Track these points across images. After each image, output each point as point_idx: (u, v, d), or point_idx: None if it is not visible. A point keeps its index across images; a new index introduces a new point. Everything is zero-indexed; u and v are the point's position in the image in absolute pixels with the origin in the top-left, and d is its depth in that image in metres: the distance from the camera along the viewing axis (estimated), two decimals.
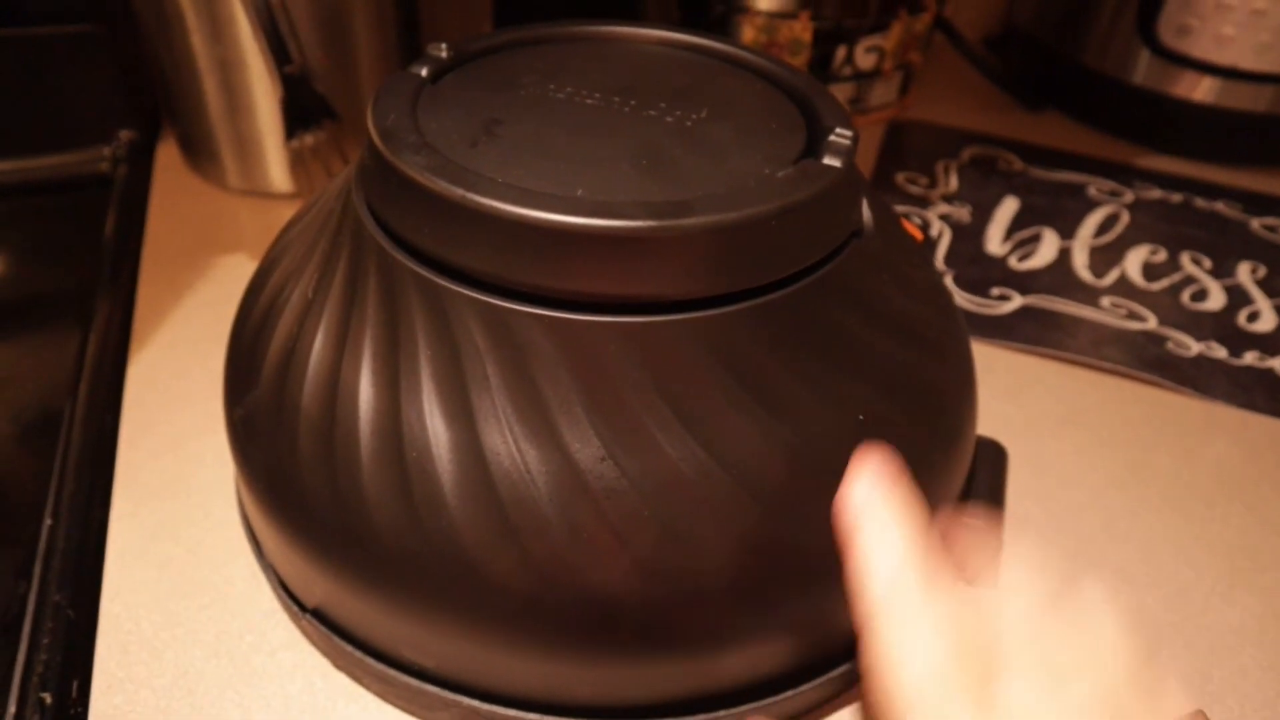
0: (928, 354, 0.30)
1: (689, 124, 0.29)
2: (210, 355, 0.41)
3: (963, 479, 0.33)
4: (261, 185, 0.55)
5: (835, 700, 0.31)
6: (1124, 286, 0.52)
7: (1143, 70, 0.63)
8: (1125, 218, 0.57)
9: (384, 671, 0.29)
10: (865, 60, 0.63)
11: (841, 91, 0.63)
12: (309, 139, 0.51)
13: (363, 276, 0.27)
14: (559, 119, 0.29)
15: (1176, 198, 0.60)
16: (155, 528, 0.35)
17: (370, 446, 0.25)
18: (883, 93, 0.65)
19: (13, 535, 0.37)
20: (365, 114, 0.28)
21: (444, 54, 0.31)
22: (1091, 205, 0.58)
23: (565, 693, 0.27)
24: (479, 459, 0.25)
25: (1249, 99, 0.61)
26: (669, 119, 0.29)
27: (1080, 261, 0.54)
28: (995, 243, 0.55)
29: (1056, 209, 0.58)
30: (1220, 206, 0.59)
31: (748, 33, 0.61)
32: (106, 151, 0.59)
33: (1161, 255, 0.54)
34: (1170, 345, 0.48)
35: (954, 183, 0.60)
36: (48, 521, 0.35)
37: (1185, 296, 0.51)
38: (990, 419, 0.40)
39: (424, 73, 0.30)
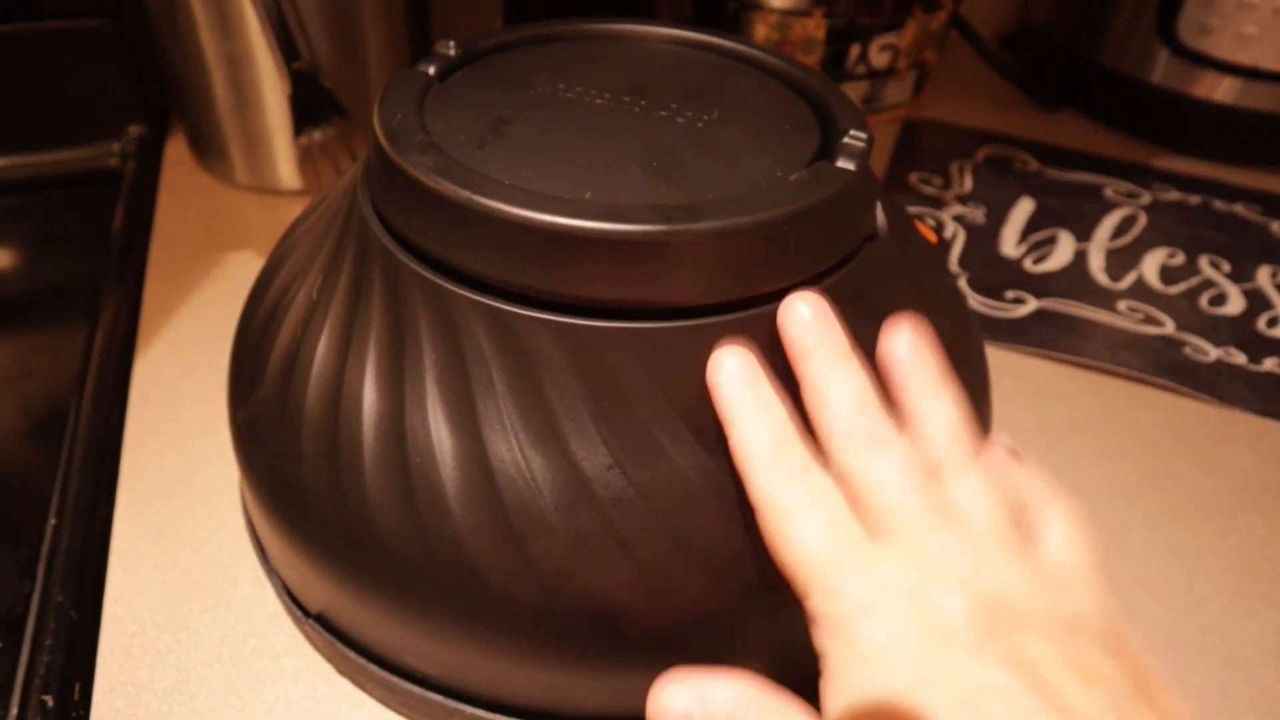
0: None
1: (700, 125, 0.28)
2: (216, 353, 0.41)
3: None
4: (269, 182, 0.55)
5: None
6: (1141, 290, 0.51)
7: (1161, 69, 0.62)
8: (1142, 220, 0.57)
9: (387, 679, 0.28)
10: (879, 59, 0.62)
11: (855, 90, 0.63)
12: (317, 135, 0.51)
13: (368, 278, 0.26)
14: (568, 119, 0.28)
15: (1195, 200, 0.59)
16: (159, 528, 0.35)
17: (374, 451, 0.25)
18: (896, 91, 0.65)
19: (18, 534, 0.36)
20: (373, 109, 0.28)
21: (452, 52, 0.31)
22: (1108, 207, 0.58)
23: (569, 703, 0.27)
24: (483, 466, 0.24)
25: (1271, 100, 0.60)
26: (680, 120, 0.29)
27: (1096, 264, 0.53)
28: (1010, 245, 0.54)
29: (1072, 211, 0.57)
30: (1240, 209, 0.58)
31: (760, 30, 0.61)
32: (116, 147, 0.59)
33: (1179, 258, 0.54)
34: (1188, 350, 0.47)
35: (968, 183, 0.59)
36: (52, 521, 0.35)
37: (1203, 301, 0.50)
38: (1004, 425, 0.39)
39: (431, 71, 0.30)
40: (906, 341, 0.24)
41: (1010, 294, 0.50)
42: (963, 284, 0.51)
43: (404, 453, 0.25)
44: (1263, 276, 0.52)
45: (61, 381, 0.44)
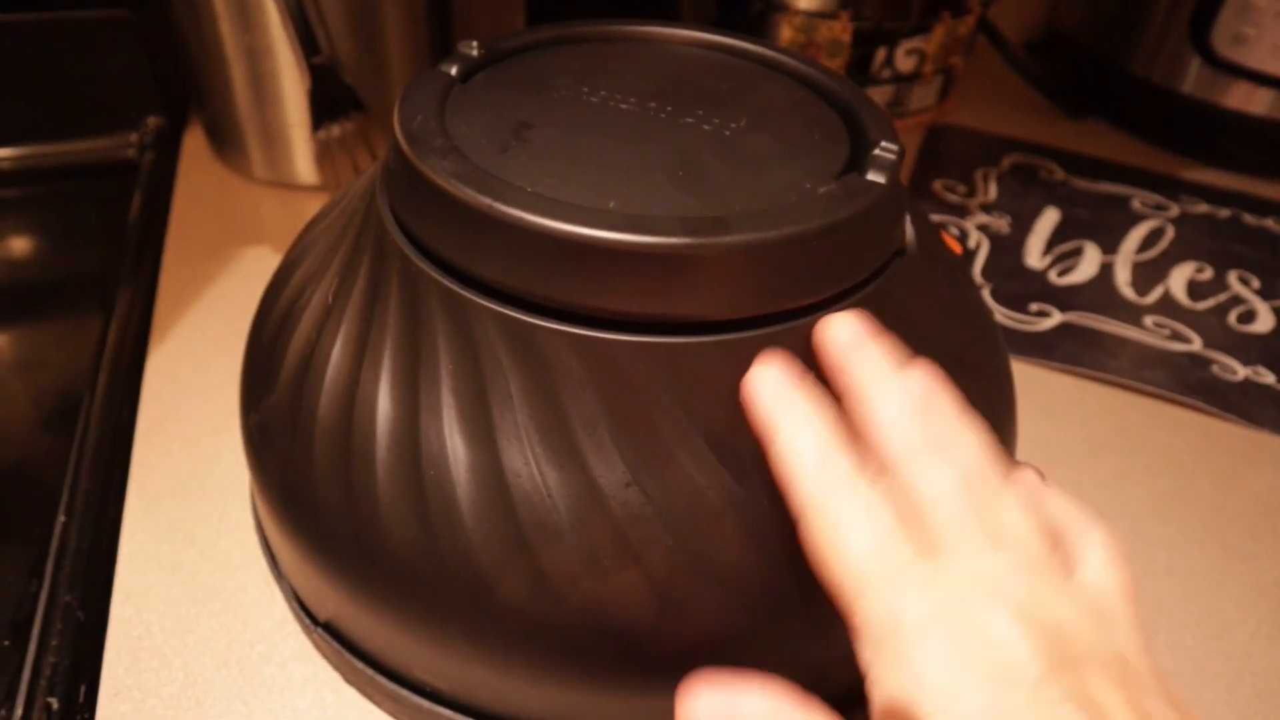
0: (968, 377, 0.28)
1: (727, 133, 0.28)
2: (230, 350, 0.41)
3: None
4: (287, 176, 0.55)
5: None
6: (1168, 305, 0.50)
7: (1193, 79, 0.61)
8: (1170, 233, 0.55)
9: (396, 691, 0.28)
10: (905, 63, 0.61)
11: (880, 94, 0.62)
12: (336, 131, 0.50)
13: (384, 284, 0.26)
14: (592, 124, 0.28)
15: (1224, 213, 0.58)
16: (169, 528, 0.35)
17: (387, 462, 0.25)
18: (922, 96, 0.64)
19: (28, 531, 0.36)
20: (393, 109, 0.27)
21: (475, 52, 0.30)
22: (1135, 219, 0.57)
23: None
24: (498, 479, 0.24)
25: None
26: (706, 127, 0.28)
27: (1123, 278, 0.52)
28: (1035, 256, 0.53)
29: (1099, 222, 0.56)
30: (1271, 223, 0.57)
31: (786, 32, 0.60)
32: (134, 138, 0.59)
33: (1208, 273, 0.53)
34: (1215, 369, 0.46)
35: (993, 192, 0.58)
36: (61, 518, 0.35)
37: (1232, 317, 0.49)
38: (1026, 441, 0.39)
39: (453, 71, 0.29)
40: (922, 380, 0.23)
41: (1034, 306, 0.49)
42: (986, 295, 0.50)
43: (418, 463, 0.24)
44: None
45: (75, 372, 0.44)
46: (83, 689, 0.30)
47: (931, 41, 0.61)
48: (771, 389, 0.23)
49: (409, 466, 0.24)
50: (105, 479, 0.37)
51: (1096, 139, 0.65)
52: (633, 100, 0.29)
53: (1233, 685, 0.32)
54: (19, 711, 0.29)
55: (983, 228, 0.55)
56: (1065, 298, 0.50)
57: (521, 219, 0.23)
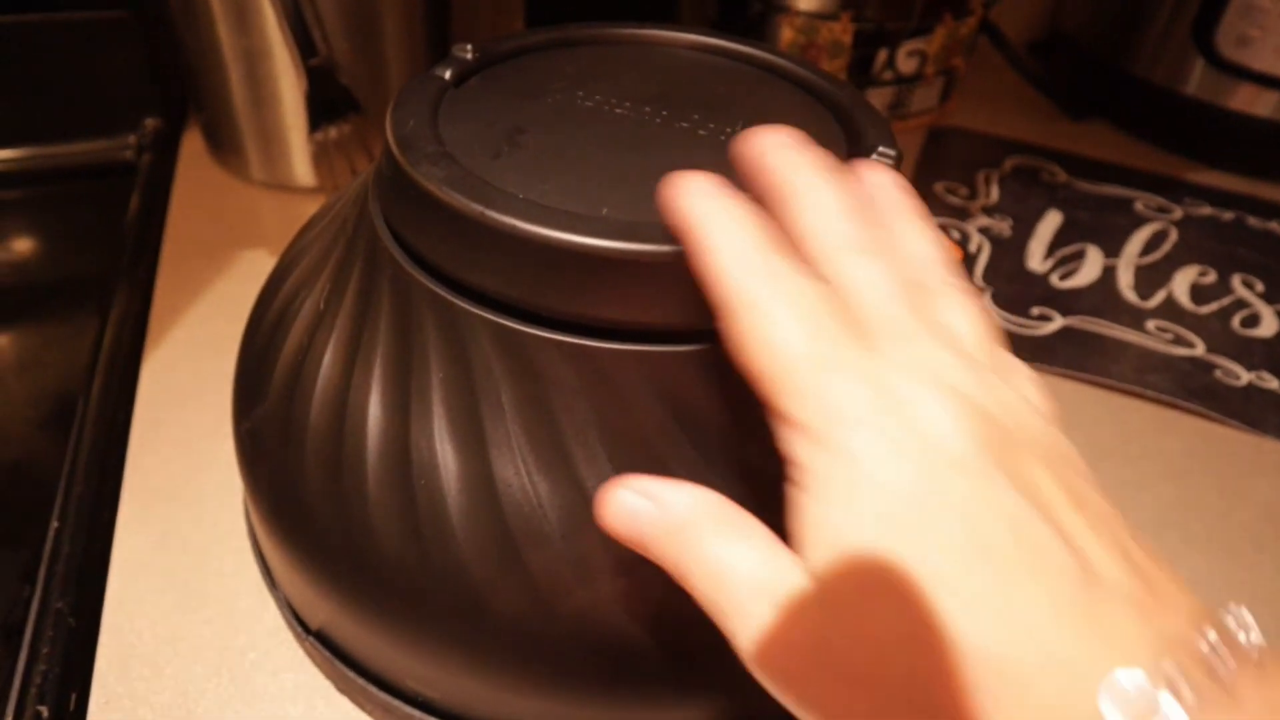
0: None
1: (723, 138, 0.27)
2: (225, 353, 0.40)
3: None
4: (284, 178, 0.54)
5: None
6: (1171, 309, 0.49)
7: (1196, 81, 0.61)
8: (1173, 236, 0.55)
9: (388, 701, 0.28)
10: (907, 64, 0.61)
11: (881, 96, 0.62)
12: (333, 133, 0.50)
13: (376, 291, 0.26)
14: (586, 129, 0.27)
15: (1228, 216, 0.57)
16: (162, 534, 0.35)
17: (377, 470, 0.24)
18: (923, 98, 0.63)
19: (20, 536, 0.36)
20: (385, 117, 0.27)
21: (469, 55, 0.30)
22: (1138, 221, 0.56)
23: None
24: (489, 489, 0.23)
25: None
26: (702, 132, 0.28)
27: (1125, 281, 0.51)
28: (1036, 259, 0.53)
29: (1101, 225, 0.56)
30: (1275, 226, 0.57)
31: (786, 33, 0.60)
32: (132, 139, 0.59)
33: (1211, 277, 0.52)
34: (1219, 374, 0.45)
35: (995, 194, 0.58)
36: (54, 523, 0.35)
37: (1236, 322, 0.49)
38: None
39: (447, 75, 0.29)
40: (884, 177, 0.22)
41: (1036, 310, 0.49)
42: (987, 299, 0.49)
43: (408, 472, 0.24)
44: None
45: (71, 375, 0.43)
46: (73, 697, 0.30)
47: (933, 43, 0.60)
48: (694, 187, 0.21)
49: (399, 475, 0.24)
50: (99, 484, 0.36)
51: (1099, 141, 0.64)
52: (628, 104, 0.29)
53: None
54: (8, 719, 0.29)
55: (984, 230, 0.55)
56: (1067, 301, 0.49)
57: (513, 226, 0.23)
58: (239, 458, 0.30)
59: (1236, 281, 0.52)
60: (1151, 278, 0.52)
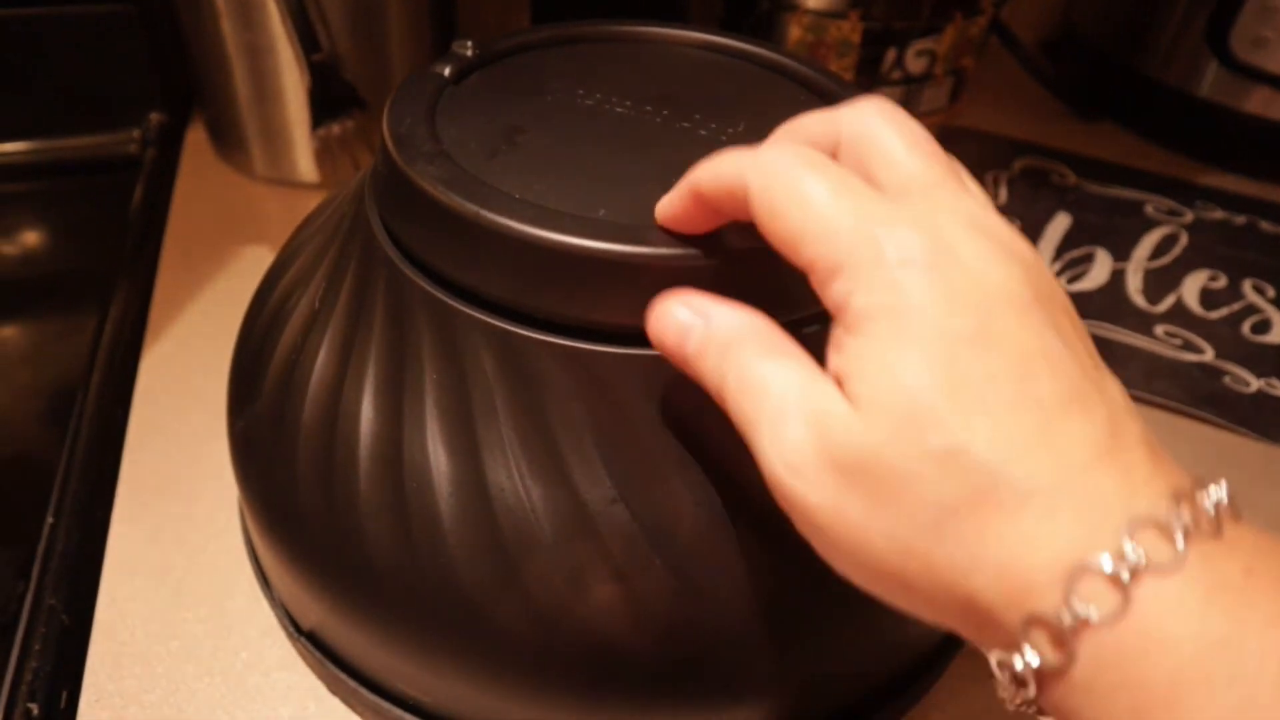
0: None
1: (724, 139, 0.27)
2: (225, 351, 0.40)
3: None
4: (288, 174, 0.54)
5: None
6: (1180, 314, 0.49)
7: (1210, 83, 0.60)
8: (1184, 239, 0.54)
9: (378, 703, 0.27)
10: (916, 64, 0.60)
11: (889, 96, 0.60)
12: (336, 129, 0.50)
13: (370, 290, 0.25)
14: (586, 129, 0.27)
15: (1240, 220, 0.56)
16: (156, 532, 0.34)
17: (369, 473, 0.24)
18: (932, 98, 0.63)
19: (15, 531, 0.36)
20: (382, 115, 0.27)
21: (469, 52, 0.30)
22: (1148, 225, 0.55)
23: None
24: (482, 493, 0.23)
25: None
26: (703, 132, 0.27)
27: (1134, 285, 0.51)
28: (1044, 262, 0.52)
29: (1110, 228, 0.55)
30: None
31: (794, 31, 0.59)
32: (137, 134, 0.59)
33: (1221, 281, 0.51)
34: (1228, 380, 0.45)
35: (1003, 196, 0.57)
36: (49, 519, 0.34)
37: (1246, 327, 0.48)
38: None
39: (446, 72, 0.29)
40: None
41: None
42: None
43: (400, 476, 0.24)
44: None
45: (71, 369, 0.43)
46: (64, 695, 0.29)
47: (942, 42, 0.60)
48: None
49: (391, 479, 0.24)
50: (95, 480, 0.36)
51: (1110, 142, 0.64)
52: (629, 104, 0.28)
53: None
54: None
55: None
56: (1075, 305, 0.49)
57: (508, 227, 0.22)
58: (232, 457, 0.29)
59: (1247, 287, 0.51)
60: (1161, 282, 0.51)
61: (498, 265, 0.23)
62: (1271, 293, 0.51)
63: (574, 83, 0.29)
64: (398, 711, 0.27)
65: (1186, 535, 0.16)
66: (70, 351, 0.46)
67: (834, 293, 0.19)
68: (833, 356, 0.19)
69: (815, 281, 0.19)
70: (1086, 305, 0.49)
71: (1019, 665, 0.16)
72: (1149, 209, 0.57)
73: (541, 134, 0.27)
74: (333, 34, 0.48)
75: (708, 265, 0.22)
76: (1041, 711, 0.17)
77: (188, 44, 0.53)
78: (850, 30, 0.58)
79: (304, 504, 0.25)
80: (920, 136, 0.21)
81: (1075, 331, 0.19)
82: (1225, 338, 0.47)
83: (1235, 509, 0.17)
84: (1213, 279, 0.52)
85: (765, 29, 0.60)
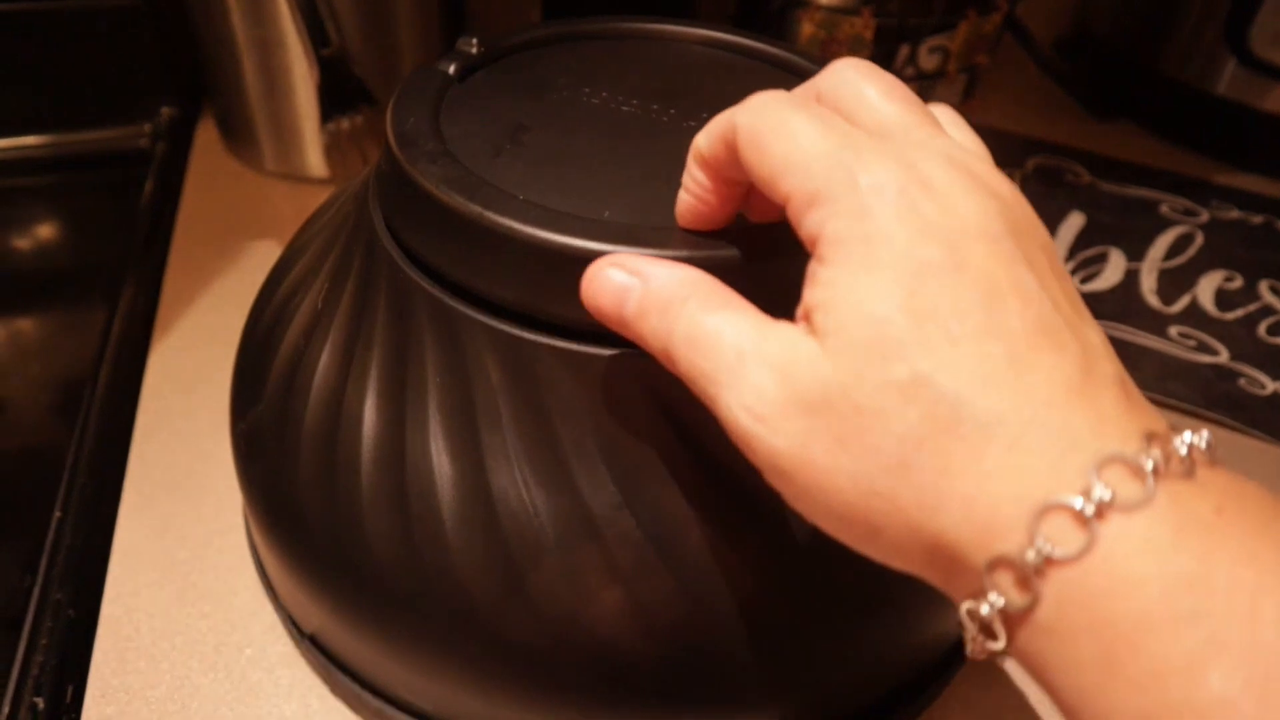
0: None
1: None
2: (233, 346, 0.40)
3: None
4: (298, 169, 0.54)
5: None
6: (1195, 315, 0.48)
7: (1227, 80, 0.59)
8: (1199, 239, 0.54)
9: (381, 708, 0.27)
10: (929, 61, 0.59)
11: None
12: (345, 124, 0.50)
13: (373, 292, 0.25)
14: (591, 127, 0.27)
15: (1257, 219, 0.56)
16: (162, 527, 0.34)
17: (371, 477, 0.24)
18: (945, 95, 0.62)
19: (23, 525, 0.36)
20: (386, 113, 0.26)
21: (474, 49, 0.30)
22: (1163, 224, 0.55)
23: None
24: (485, 499, 0.23)
25: None
26: None
27: (1148, 286, 0.50)
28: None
29: (1125, 227, 0.54)
30: None
31: (807, 28, 0.59)
32: (147, 128, 0.59)
33: (1237, 282, 0.51)
34: (1243, 382, 0.44)
35: None
36: (56, 514, 0.35)
37: (1262, 329, 0.48)
38: None
39: (451, 70, 0.28)
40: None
41: None
42: None
43: (402, 480, 0.23)
44: None
45: (80, 363, 0.43)
46: (69, 689, 0.30)
47: (956, 39, 0.59)
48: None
49: (394, 483, 0.24)
50: (102, 475, 0.36)
51: (1125, 141, 0.63)
52: (635, 102, 0.28)
53: None
54: (5, 711, 0.29)
55: None
56: (1088, 306, 0.48)
57: (512, 228, 0.22)
58: (235, 458, 0.29)
59: (1264, 287, 0.50)
60: (1176, 282, 0.50)
61: (501, 267, 0.23)
62: None
63: (580, 80, 0.29)
64: (400, 716, 0.27)
65: (1156, 474, 0.15)
66: (79, 345, 0.46)
67: (809, 223, 0.18)
68: (806, 291, 0.18)
69: (793, 214, 0.19)
70: (1100, 305, 0.48)
71: (985, 610, 0.16)
72: (1164, 208, 0.56)
73: (546, 133, 0.26)
74: (342, 29, 0.48)
75: (715, 267, 0.22)
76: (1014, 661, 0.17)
77: (198, 38, 0.53)
78: (863, 26, 0.57)
79: (306, 508, 0.25)
80: (896, 84, 0.21)
81: (1054, 272, 0.18)
82: (1241, 339, 0.47)
83: (1214, 455, 0.16)
84: (1228, 279, 0.51)
85: (777, 25, 0.60)
